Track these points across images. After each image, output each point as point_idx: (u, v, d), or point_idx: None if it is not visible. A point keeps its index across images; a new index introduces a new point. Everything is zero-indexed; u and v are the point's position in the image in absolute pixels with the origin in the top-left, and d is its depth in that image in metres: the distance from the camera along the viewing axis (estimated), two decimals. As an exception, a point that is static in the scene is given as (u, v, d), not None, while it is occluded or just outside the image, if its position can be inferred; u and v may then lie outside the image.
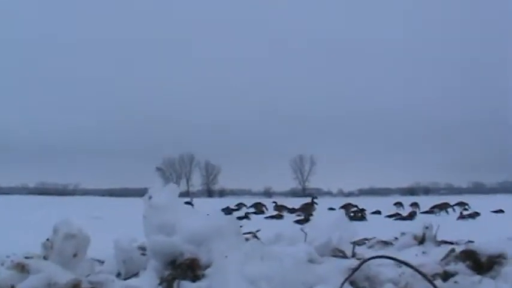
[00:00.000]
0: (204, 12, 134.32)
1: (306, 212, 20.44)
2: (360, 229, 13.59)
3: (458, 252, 4.45)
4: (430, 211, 23.65)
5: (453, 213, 22.74)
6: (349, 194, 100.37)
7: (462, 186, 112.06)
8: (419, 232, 5.82)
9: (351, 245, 5.25)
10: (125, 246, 4.85)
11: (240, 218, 20.62)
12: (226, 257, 4.08)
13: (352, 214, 21.18)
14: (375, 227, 14.95)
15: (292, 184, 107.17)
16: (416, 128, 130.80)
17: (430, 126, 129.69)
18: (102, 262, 5.42)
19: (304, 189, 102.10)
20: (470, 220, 18.91)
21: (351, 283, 3.96)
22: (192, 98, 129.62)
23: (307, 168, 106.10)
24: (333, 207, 25.52)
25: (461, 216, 19.72)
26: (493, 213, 22.67)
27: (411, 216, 19.98)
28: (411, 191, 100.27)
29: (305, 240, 5.05)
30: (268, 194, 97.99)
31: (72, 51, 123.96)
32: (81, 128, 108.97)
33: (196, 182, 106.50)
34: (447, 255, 4.57)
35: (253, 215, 23.16)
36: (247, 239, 5.10)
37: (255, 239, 5.04)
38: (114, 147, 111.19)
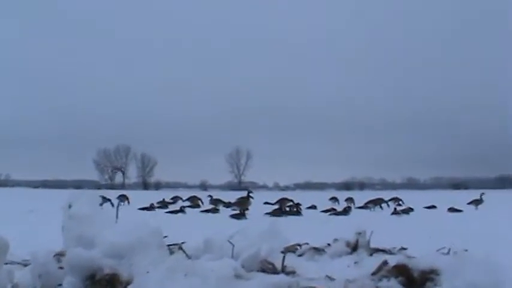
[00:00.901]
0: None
1: (242, 206, 20.22)
2: (295, 225, 13.82)
3: (391, 267, 4.31)
4: (365, 206, 23.86)
5: (387, 209, 22.95)
6: (285, 188, 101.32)
7: (396, 182, 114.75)
8: (352, 238, 5.71)
9: (282, 256, 5.05)
10: (41, 259, 4.48)
11: (175, 212, 20.62)
12: (147, 272, 3.84)
13: (287, 209, 21.17)
14: (310, 223, 15.09)
15: (229, 177, 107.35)
16: (352, 123, 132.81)
17: (365, 122, 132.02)
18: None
19: (240, 182, 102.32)
20: (404, 216, 19.13)
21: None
22: (129, 89, 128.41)
23: (243, 161, 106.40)
24: (269, 201, 25.37)
25: (395, 212, 19.94)
26: (426, 209, 23.12)
27: (346, 211, 20.03)
28: (347, 186, 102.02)
29: (232, 251, 4.79)
30: (204, 187, 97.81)
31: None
32: (12, 118, 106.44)
33: (132, 174, 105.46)
34: (379, 269, 4.42)
35: (189, 209, 22.82)
36: (172, 252, 4.83)
37: (180, 252, 4.74)
38: (47, 138, 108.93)
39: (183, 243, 5.36)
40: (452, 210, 21.50)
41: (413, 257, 4.45)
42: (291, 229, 9.78)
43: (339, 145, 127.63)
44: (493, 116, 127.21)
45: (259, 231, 5.30)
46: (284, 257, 4.62)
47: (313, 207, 23.87)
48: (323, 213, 20.36)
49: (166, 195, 32.76)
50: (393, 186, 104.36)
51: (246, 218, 17.17)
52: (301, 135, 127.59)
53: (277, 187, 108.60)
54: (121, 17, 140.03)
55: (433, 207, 23.71)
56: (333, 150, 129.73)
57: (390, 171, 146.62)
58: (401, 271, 4.16)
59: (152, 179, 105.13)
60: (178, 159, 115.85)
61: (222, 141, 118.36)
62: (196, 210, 22.71)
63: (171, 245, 5.30)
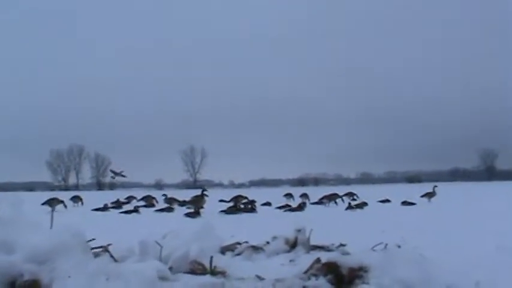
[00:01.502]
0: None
1: (197, 204, 20.09)
2: (250, 221, 13.68)
3: (321, 265, 4.21)
4: (320, 202, 23.85)
5: (342, 204, 22.98)
6: (240, 186, 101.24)
7: (351, 177, 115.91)
8: (291, 236, 5.58)
9: (216, 256, 4.88)
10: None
11: (129, 212, 20.23)
12: (69, 277, 3.62)
13: (242, 206, 21.05)
14: (265, 219, 14.97)
15: (184, 176, 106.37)
16: (306, 120, 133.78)
17: (319, 118, 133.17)
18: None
19: (195, 181, 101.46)
20: (358, 210, 19.17)
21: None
22: (82, 89, 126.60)
23: (198, 160, 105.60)
24: (224, 199, 25.29)
25: (350, 207, 19.94)
26: (380, 203, 23.22)
27: (301, 207, 19.98)
28: (301, 182, 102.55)
29: (160, 253, 4.58)
30: (159, 186, 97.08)
31: None
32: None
33: (86, 175, 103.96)
34: (311, 267, 4.29)
35: (144, 208, 22.56)
36: (97, 255, 4.61)
37: (105, 256, 4.52)
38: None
39: (109, 245, 5.11)
40: (405, 203, 21.65)
41: (347, 254, 4.31)
42: (244, 226, 9.67)
43: (293, 142, 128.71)
44: (446, 109, 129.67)
45: (192, 231, 5.11)
46: (212, 258, 4.44)
47: (268, 203, 23.76)
48: (278, 210, 20.27)
49: (121, 195, 32.38)
50: (348, 182, 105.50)
51: (200, 216, 16.97)
52: (255, 133, 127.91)
53: (232, 185, 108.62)
54: (66, 17, 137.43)
55: (387, 201, 23.82)
56: (287, 147, 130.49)
57: (344, 166, 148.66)
58: (331, 269, 4.06)
59: (107, 179, 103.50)
60: (132, 158, 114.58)
61: (176, 140, 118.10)
62: (151, 209, 22.44)
63: (96, 247, 5.08)
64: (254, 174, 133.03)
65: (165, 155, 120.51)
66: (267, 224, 12.59)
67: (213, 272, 4.39)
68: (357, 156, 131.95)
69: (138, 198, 28.65)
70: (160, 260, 4.46)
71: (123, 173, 21.45)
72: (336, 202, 23.92)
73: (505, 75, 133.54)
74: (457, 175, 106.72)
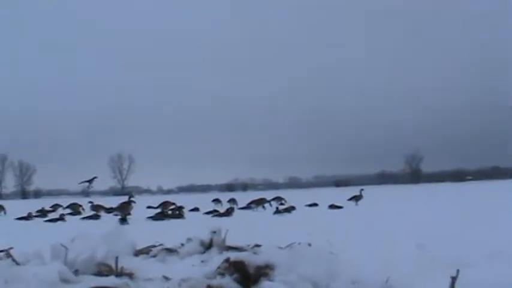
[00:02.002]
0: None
1: (123, 211, 19.85)
2: (176, 227, 13.55)
3: (228, 264, 4.18)
4: (248, 207, 23.93)
5: (270, 208, 23.08)
6: (169, 192, 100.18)
7: (279, 181, 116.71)
8: (206, 238, 5.54)
9: (128, 258, 4.81)
10: None
11: (54, 220, 19.75)
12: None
13: (170, 212, 20.89)
14: (191, 225, 14.84)
15: (112, 183, 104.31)
16: (234, 125, 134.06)
17: (247, 122, 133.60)
18: None
19: (123, 187, 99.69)
20: (285, 214, 19.27)
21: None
22: (4, 94, 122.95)
23: (126, 166, 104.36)
24: (152, 205, 25.06)
25: (277, 211, 20.03)
26: (308, 207, 23.44)
27: (229, 212, 19.96)
28: (230, 187, 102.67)
29: (66, 256, 4.45)
30: (86, 193, 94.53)
31: None
32: None
33: (10, 184, 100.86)
34: (219, 266, 4.26)
35: (70, 216, 22.15)
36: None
37: (7, 260, 4.37)
38: None
39: (10, 248, 4.94)
40: (333, 207, 21.91)
41: (257, 253, 4.30)
42: (170, 232, 9.56)
43: (221, 147, 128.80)
44: (373, 113, 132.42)
45: (101, 234, 4.99)
46: (117, 259, 4.33)
47: (196, 209, 23.74)
48: (206, 215, 20.22)
49: (47, 203, 31.62)
50: (276, 186, 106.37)
51: (128, 223, 16.75)
52: (183, 138, 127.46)
53: (160, 191, 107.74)
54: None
55: (315, 204, 24.05)
56: (216, 152, 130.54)
57: (273, 171, 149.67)
58: (237, 267, 4.03)
59: (31, 188, 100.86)
60: (58, 165, 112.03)
61: (104, 146, 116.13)
62: (77, 217, 22.02)
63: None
64: (183, 180, 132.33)
65: (92, 161, 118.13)
66: (193, 230, 12.47)
67: (120, 273, 4.30)
68: (285, 161, 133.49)
69: (64, 206, 28.06)
70: (66, 262, 4.33)
71: (95, 178, 21.03)
72: (263, 207, 24.02)
73: (431, 78, 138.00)
74: (384, 178, 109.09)
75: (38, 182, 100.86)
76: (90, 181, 21.36)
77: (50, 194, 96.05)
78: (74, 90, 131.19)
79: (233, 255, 4.21)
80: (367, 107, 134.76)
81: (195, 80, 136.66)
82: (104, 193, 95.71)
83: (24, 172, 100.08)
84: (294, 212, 20.09)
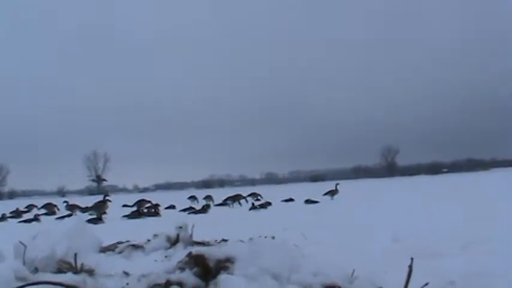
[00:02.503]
0: None
1: (99, 210, 19.84)
2: (151, 225, 13.47)
3: (189, 257, 4.15)
4: (224, 203, 23.92)
5: (246, 204, 23.11)
6: (145, 190, 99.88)
7: (256, 177, 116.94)
8: (173, 233, 5.51)
9: (91, 255, 4.76)
10: None
11: (29, 221, 19.75)
12: None
13: (145, 210, 20.83)
14: (167, 223, 14.69)
15: (87, 182, 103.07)
16: (209, 121, 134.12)
17: (220, 119, 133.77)
18: None
19: (99, 186, 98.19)
20: (261, 210, 19.31)
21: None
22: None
23: (101, 165, 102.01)
24: (128, 203, 24.93)
25: (253, 207, 20.05)
26: (284, 202, 23.49)
27: (205, 209, 19.98)
28: (206, 184, 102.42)
29: (24, 253, 4.38)
30: (62, 193, 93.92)
31: None
32: None
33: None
34: (180, 261, 4.24)
35: (45, 216, 22.10)
36: None
37: None
38: None
39: None
40: (308, 201, 21.98)
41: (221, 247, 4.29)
42: (144, 230, 9.50)
43: (198, 144, 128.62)
44: (347, 108, 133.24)
45: (63, 231, 4.93)
46: (76, 255, 4.30)
47: (172, 207, 23.77)
48: (182, 212, 20.24)
49: (22, 204, 31.37)
50: (253, 182, 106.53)
51: (103, 222, 16.73)
52: (158, 136, 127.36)
53: (137, 189, 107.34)
54: None
55: (291, 200, 24.11)
56: (191, 150, 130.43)
57: (249, 167, 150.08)
58: (198, 261, 4.01)
59: (6, 189, 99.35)
60: (33, 166, 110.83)
61: (78, 145, 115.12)
62: (52, 217, 21.95)
63: None
64: (159, 178, 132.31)
65: (68, 161, 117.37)
66: (167, 227, 12.41)
67: (80, 270, 4.24)
68: (261, 157, 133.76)
69: (39, 206, 27.85)
70: (24, 260, 4.25)
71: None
72: (240, 203, 24.07)
73: (406, 72, 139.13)
74: (359, 172, 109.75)
75: (12, 183, 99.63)
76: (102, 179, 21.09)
77: (25, 194, 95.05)
78: (47, 88, 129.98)
79: (195, 250, 4.18)
80: (341, 102, 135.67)
81: (171, 79, 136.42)
82: (79, 192, 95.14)
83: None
84: (269, 207, 20.17)
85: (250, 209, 19.65)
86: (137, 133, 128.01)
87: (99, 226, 15.53)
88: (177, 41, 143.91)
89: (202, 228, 10.23)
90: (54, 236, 4.71)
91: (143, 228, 11.82)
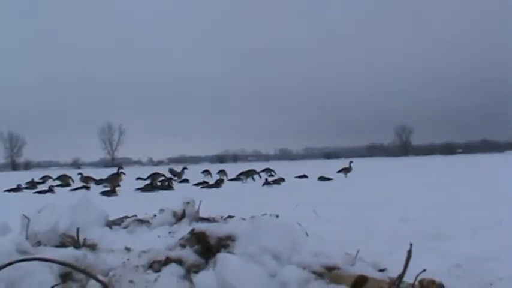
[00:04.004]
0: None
1: (113, 182, 20.01)
2: (165, 198, 13.54)
3: (190, 234, 4.15)
4: (237, 178, 24.02)
5: (259, 180, 23.15)
6: (159, 163, 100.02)
7: (269, 153, 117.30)
8: (179, 208, 5.51)
9: (96, 229, 4.81)
10: None
11: (43, 192, 20.01)
12: None
13: (159, 183, 20.94)
14: (180, 196, 14.74)
15: (102, 154, 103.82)
16: (225, 97, 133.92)
17: (237, 95, 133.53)
18: None
19: (113, 159, 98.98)
20: (275, 186, 19.35)
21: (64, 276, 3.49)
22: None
23: (116, 137, 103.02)
24: (141, 176, 25.07)
25: (267, 183, 20.04)
26: (297, 179, 23.50)
27: (218, 184, 20.07)
28: (220, 159, 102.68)
29: (27, 226, 4.41)
30: (77, 165, 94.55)
31: None
32: None
33: (0, 155, 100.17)
34: (182, 237, 4.25)
35: (59, 188, 22.27)
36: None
37: None
38: None
39: None
40: (322, 179, 22.00)
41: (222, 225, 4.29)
42: (158, 203, 9.56)
43: (212, 119, 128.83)
44: (362, 86, 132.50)
45: (68, 205, 4.95)
46: (78, 230, 4.32)
47: (186, 180, 23.88)
48: (195, 187, 20.28)
49: (37, 175, 31.59)
50: (266, 158, 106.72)
51: (116, 195, 16.86)
52: (173, 110, 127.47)
53: (151, 162, 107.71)
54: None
55: (304, 176, 24.14)
56: (206, 124, 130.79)
57: (263, 143, 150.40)
58: (199, 239, 3.99)
59: (21, 159, 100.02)
60: (48, 137, 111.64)
61: (94, 117, 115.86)
62: (67, 189, 22.12)
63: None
64: (173, 152, 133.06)
65: (82, 133, 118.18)
66: (180, 201, 12.42)
67: (83, 245, 4.27)
68: (275, 133, 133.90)
69: (54, 177, 28.04)
70: (27, 234, 4.29)
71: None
72: (253, 178, 24.15)
73: (421, 52, 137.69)
74: (373, 151, 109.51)
75: (27, 154, 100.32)
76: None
77: (40, 165, 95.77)
78: (63, 61, 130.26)
79: (197, 227, 4.19)
80: (357, 81, 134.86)
81: (185, 53, 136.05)
82: (94, 164, 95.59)
83: (14, 144, 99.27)
84: (283, 183, 20.21)
85: (263, 185, 19.66)
86: (152, 107, 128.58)
87: (112, 198, 15.66)
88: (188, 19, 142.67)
89: (214, 203, 10.37)
90: (58, 210, 4.72)
91: (155, 202, 11.88)
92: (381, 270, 3.88)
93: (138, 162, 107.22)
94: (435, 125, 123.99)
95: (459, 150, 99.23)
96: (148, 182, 21.99)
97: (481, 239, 5.95)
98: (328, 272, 3.60)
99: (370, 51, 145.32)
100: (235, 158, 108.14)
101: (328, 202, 11.19)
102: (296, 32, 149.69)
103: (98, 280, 3.18)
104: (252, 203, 11.08)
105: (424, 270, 3.16)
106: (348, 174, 24.57)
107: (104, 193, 17.18)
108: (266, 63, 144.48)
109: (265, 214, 4.40)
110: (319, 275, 3.58)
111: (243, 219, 4.53)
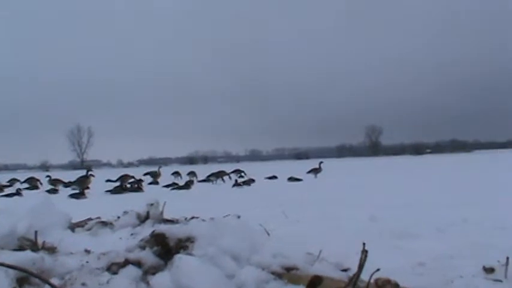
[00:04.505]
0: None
1: (82, 185, 19.83)
2: (134, 200, 13.46)
3: (150, 236, 4.13)
4: (207, 179, 23.94)
5: (229, 181, 23.15)
6: (129, 165, 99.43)
7: (240, 154, 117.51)
8: (143, 210, 5.50)
9: (57, 231, 4.75)
10: None
11: (11, 195, 19.58)
12: None
13: (128, 185, 20.81)
14: (149, 198, 14.73)
15: (71, 156, 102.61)
16: (194, 97, 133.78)
17: (208, 96, 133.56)
18: None
19: (83, 161, 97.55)
20: (244, 187, 19.35)
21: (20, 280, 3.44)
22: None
23: (85, 139, 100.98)
24: (111, 178, 24.88)
25: (237, 184, 20.04)
26: (267, 179, 23.53)
27: (188, 185, 20.00)
28: (190, 160, 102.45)
29: None
30: (45, 167, 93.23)
31: None
32: None
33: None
34: (142, 239, 4.24)
35: (27, 191, 21.96)
36: None
37: None
38: None
39: None
40: (292, 179, 22.05)
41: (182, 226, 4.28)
42: (127, 205, 9.52)
43: (182, 120, 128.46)
44: (333, 87, 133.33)
45: (28, 207, 4.89)
46: (36, 233, 4.27)
47: (155, 182, 23.72)
48: (165, 188, 20.20)
49: (4, 178, 31.16)
50: (237, 159, 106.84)
51: (85, 197, 16.73)
52: (143, 111, 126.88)
53: (121, 164, 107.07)
54: None
55: (274, 177, 24.17)
56: (176, 125, 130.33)
57: (234, 144, 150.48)
58: (158, 240, 3.98)
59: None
60: (16, 139, 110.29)
61: (62, 119, 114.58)
62: (35, 192, 21.81)
63: None
64: (143, 153, 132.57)
65: (51, 135, 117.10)
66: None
67: (42, 248, 4.22)
68: (245, 134, 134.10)
69: (22, 180, 27.71)
70: None
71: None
72: (223, 179, 24.12)
73: (390, 52, 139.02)
74: (343, 151, 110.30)
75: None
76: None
77: (7, 168, 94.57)
78: (29, 63, 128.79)
79: (157, 228, 4.18)
80: (327, 81, 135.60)
81: (155, 53, 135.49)
82: (63, 167, 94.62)
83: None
84: (253, 184, 20.19)
85: (233, 186, 19.66)
86: (122, 109, 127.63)
87: (81, 201, 15.54)
88: (159, 18, 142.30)
89: (183, 204, 10.36)
90: (17, 213, 4.66)
91: (124, 204, 11.82)
92: (344, 270, 3.90)
93: (108, 164, 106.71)
94: (405, 125, 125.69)
95: (428, 150, 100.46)
96: (117, 184, 21.82)
97: (446, 237, 6.06)
98: (287, 273, 3.62)
99: (340, 52, 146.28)
100: (205, 160, 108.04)
101: (297, 203, 11.24)
102: (266, 33, 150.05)
103: (50, 284, 3.16)
104: (221, 204, 11.09)
105: (378, 270, 3.18)
106: (318, 175, 24.65)
107: (72, 196, 17.01)
108: (237, 64, 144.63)
109: (228, 215, 4.40)
110: (278, 275, 3.59)
111: (203, 220, 4.52)
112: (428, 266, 4.64)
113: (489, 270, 4.10)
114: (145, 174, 26.46)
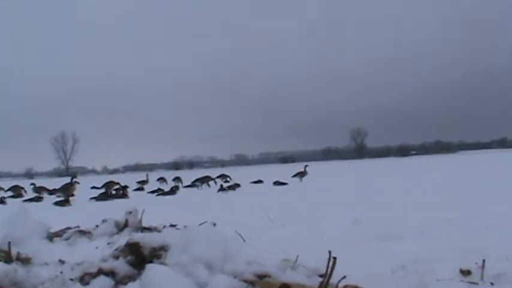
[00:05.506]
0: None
1: (66, 192, 19.73)
2: (119, 207, 13.40)
3: (125, 245, 4.13)
4: (193, 185, 23.95)
5: (215, 186, 23.11)
6: (114, 171, 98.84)
7: (225, 159, 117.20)
8: (122, 218, 5.48)
9: (33, 242, 4.73)
10: None
11: (-5, 204, 19.36)
12: None
13: (114, 192, 20.72)
14: (135, 205, 14.65)
15: (55, 164, 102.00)
16: (179, 103, 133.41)
17: (190, 101, 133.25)
18: None
19: (67, 168, 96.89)
20: (230, 192, 19.33)
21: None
22: None
23: (69, 146, 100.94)
24: (96, 185, 24.79)
25: (222, 189, 20.01)
26: (253, 184, 23.54)
27: (173, 191, 20.01)
28: (176, 166, 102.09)
29: None
30: (30, 175, 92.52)
31: None
32: None
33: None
34: (117, 248, 4.24)
35: (11, 199, 21.80)
36: None
37: None
38: None
39: None
40: (277, 183, 22.07)
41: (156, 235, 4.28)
42: (112, 213, 9.50)
43: (167, 126, 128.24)
44: (317, 90, 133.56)
45: (4, 218, 4.88)
46: (9, 244, 4.24)
47: (141, 188, 23.67)
48: (150, 194, 20.19)
49: (-12, 187, 30.88)
50: (222, 164, 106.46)
51: (70, 205, 16.63)
52: (128, 117, 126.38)
53: (106, 171, 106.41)
54: None
55: (260, 181, 24.20)
56: (161, 131, 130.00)
57: (219, 148, 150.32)
58: (133, 249, 3.98)
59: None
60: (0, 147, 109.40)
61: (46, 126, 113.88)
62: (19, 200, 21.63)
63: None
64: (128, 160, 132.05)
65: (35, 142, 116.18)
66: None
67: (16, 259, 4.19)
68: (231, 139, 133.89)
69: (6, 188, 27.48)
70: None
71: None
72: (208, 184, 24.10)
73: (374, 55, 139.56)
74: (329, 154, 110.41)
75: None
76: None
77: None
78: (13, 70, 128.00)
79: (132, 238, 4.16)
80: (311, 84, 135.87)
81: (141, 59, 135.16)
82: (47, 174, 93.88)
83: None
84: (238, 189, 20.20)
85: (218, 191, 19.59)
86: (107, 115, 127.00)
87: (65, 208, 15.47)
88: (143, 24, 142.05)
89: (168, 210, 10.37)
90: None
91: (109, 211, 11.79)
92: (322, 276, 3.90)
93: (93, 171, 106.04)
94: (390, 127, 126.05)
95: (413, 152, 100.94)
96: (102, 190, 21.72)
97: (428, 239, 6.08)
98: (260, 280, 3.63)
99: (325, 54, 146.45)
100: (191, 165, 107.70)
101: (282, 207, 11.28)
102: (248, 35, 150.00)
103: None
104: (205, 210, 11.07)
105: (344, 277, 3.21)
106: (303, 178, 24.65)
107: (57, 203, 16.89)
108: (220, 68, 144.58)
109: (204, 222, 4.41)
110: (250, 283, 3.60)
111: (177, 228, 4.53)
112: (409, 268, 4.66)
113: (466, 272, 4.15)
114: (138, 182, 26.43)
